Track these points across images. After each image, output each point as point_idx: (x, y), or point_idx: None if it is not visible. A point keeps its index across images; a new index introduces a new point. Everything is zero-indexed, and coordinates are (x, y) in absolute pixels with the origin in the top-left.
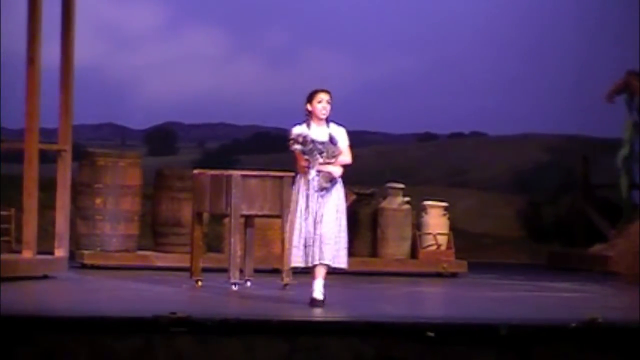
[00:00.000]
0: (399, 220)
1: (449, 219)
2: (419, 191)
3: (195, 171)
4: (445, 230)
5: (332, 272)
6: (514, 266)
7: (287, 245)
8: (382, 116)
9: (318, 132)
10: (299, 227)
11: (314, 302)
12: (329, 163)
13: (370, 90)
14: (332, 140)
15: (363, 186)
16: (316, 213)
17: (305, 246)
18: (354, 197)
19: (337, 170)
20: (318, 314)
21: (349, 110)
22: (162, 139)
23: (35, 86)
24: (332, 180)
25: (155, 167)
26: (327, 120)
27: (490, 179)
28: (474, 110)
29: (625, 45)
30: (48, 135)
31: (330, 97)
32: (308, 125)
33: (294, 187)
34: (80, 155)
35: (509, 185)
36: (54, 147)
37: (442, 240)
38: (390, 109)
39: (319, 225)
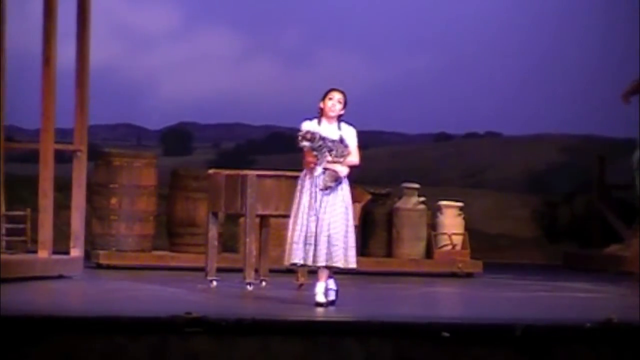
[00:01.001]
0: (414, 221)
1: (464, 219)
2: (435, 191)
3: (211, 171)
4: (461, 230)
5: (343, 272)
6: (529, 266)
7: (288, 241)
8: (397, 116)
9: (328, 130)
10: (301, 223)
11: (317, 305)
12: (336, 162)
13: (385, 91)
14: (341, 140)
15: (378, 186)
16: (322, 212)
17: (305, 244)
18: (369, 197)
19: (343, 170)
20: (333, 314)
21: (364, 110)
22: (177, 139)
23: (50, 86)
24: (337, 180)
25: (170, 167)
26: (339, 120)
27: (505, 179)
28: (488, 111)
29: None
30: (64, 135)
31: (344, 97)
32: (319, 122)
33: (298, 183)
34: (95, 155)
35: (524, 186)
36: (70, 147)
37: (457, 240)
38: (405, 109)
39: (325, 226)
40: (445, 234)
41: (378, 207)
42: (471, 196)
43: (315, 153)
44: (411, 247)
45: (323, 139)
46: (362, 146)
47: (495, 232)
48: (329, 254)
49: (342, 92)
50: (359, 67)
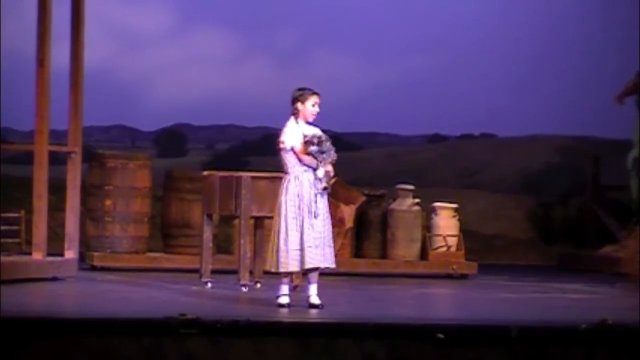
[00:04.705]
0: (409, 222)
1: (458, 220)
2: (429, 193)
3: (205, 173)
4: (455, 231)
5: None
6: (524, 267)
7: (293, 247)
8: (392, 117)
9: (308, 131)
10: (308, 227)
11: (313, 307)
12: (330, 163)
13: (380, 92)
14: None
15: (373, 187)
16: (320, 214)
17: (314, 247)
18: (363, 198)
19: (332, 170)
20: (328, 315)
21: (358, 111)
22: (171, 140)
23: (45, 88)
24: (330, 180)
25: (164, 169)
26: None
27: (500, 180)
28: (483, 112)
29: (634, 45)
30: (58, 137)
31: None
32: (296, 123)
33: (289, 187)
34: (90, 157)
35: (519, 187)
36: (64, 148)
37: (452, 241)
38: (399, 110)
39: (320, 227)
40: (440, 235)
41: (373, 209)
42: (466, 197)
43: (324, 156)
44: (406, 249)
45: (328, 140)
46: (356, 147)
47: (490, 233)
48: (324, 255)
49: (319, 95)
50: (353, 68)
